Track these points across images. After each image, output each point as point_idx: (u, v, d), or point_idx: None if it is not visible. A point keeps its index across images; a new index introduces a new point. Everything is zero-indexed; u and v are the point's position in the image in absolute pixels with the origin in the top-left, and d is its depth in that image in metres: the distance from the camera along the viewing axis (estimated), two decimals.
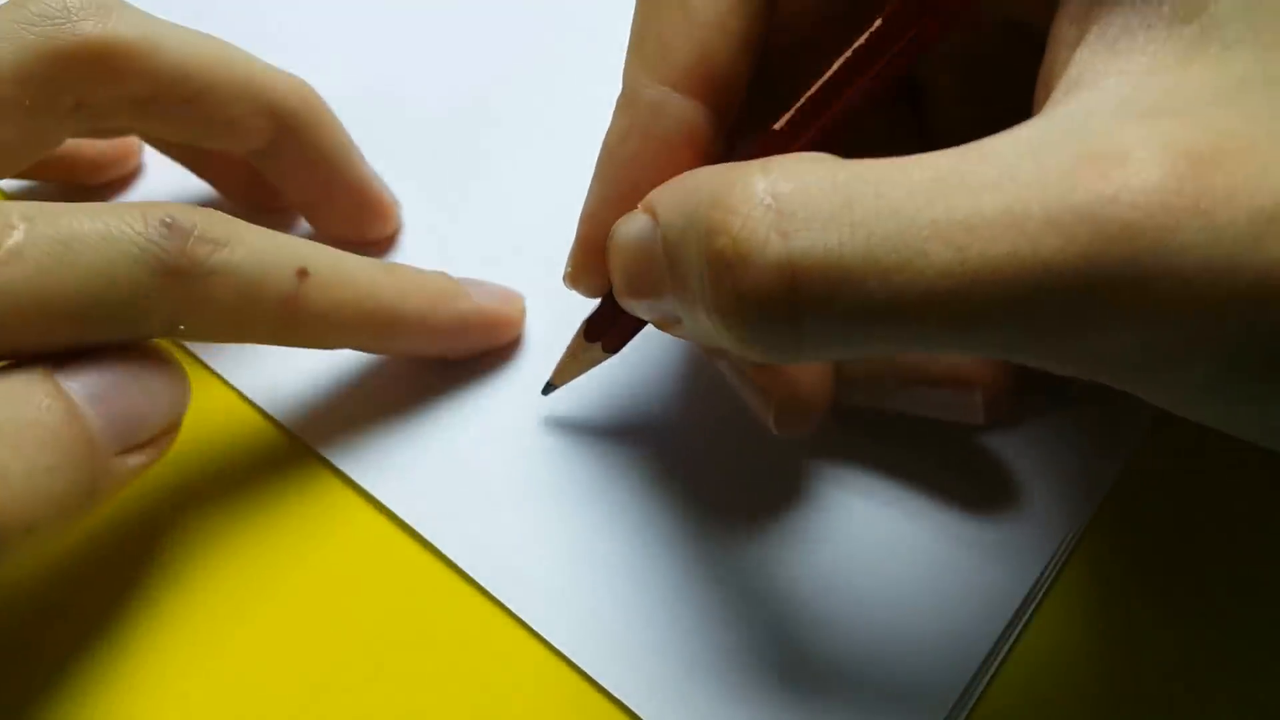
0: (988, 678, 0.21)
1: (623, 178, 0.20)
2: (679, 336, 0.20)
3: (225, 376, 0.25)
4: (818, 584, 0.22)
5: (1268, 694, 0.20)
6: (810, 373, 0.21)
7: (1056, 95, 0.16)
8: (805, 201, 0.15)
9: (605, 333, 0.22)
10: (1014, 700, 0.21)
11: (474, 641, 0.21)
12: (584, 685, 0.21)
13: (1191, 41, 0.15)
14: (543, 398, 0.24)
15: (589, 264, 0.21)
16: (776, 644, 0.21)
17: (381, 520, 0.23)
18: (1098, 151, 0.14)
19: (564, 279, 0.22)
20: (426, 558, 0.22)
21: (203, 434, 0.24)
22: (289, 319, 0.21)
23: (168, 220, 0.19)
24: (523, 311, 0.25)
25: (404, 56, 0.30)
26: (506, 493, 0.23)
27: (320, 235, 0.26)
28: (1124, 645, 0.21)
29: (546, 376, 0.23)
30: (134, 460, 0.19)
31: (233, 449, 0.24)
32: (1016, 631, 0.21)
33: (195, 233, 0.19)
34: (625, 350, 0.23)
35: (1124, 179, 0.13)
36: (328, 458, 0.23)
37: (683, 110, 0.19)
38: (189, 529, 0.23)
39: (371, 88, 0.29)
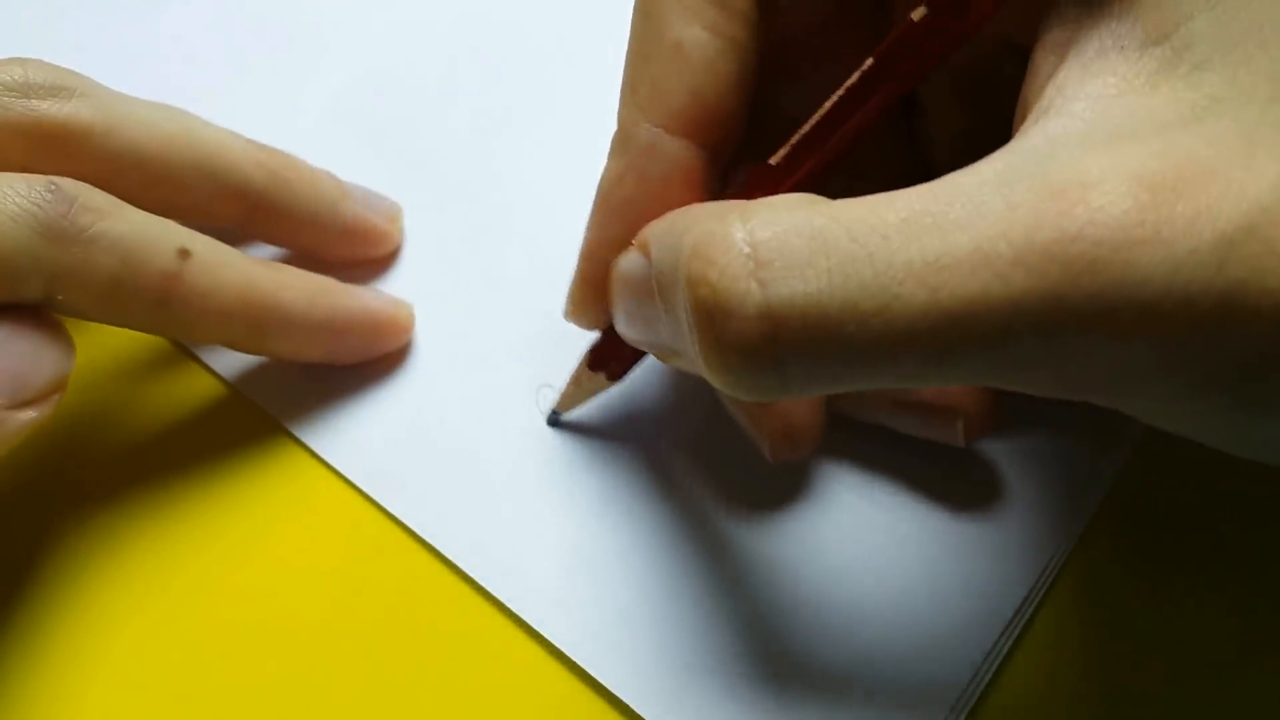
0: (987, 677, 0.21)
1: (619, 217, 0.20)
2: (678, 368, 0.20)
3: (223, 375, 0.25)
4: (818, 583, 0.22)
5: (1269, 693, 0.20)
6: (802, 405, 0.21)
7: (1027, 124, 0.16)
8: (782, 249, 0.15)
9: (608, 363, 0.22)
10: (1014, 700, 0.21)
11: (474, 641, 0.21)
12: (583, 685, 0.21)
13: (1162, 62, 0.15)
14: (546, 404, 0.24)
15: (587, 300, 0.22)
16: (777, 643, 0.21)
17: (381, 520, 0.23)
18: (1061, 184, 0.14)
19: (564, 314, 0.22)
20: (426, 557, 0.22)
21: (201, 433, 0.24)
22: (166, 298, 0.21)
23: (52, 186, 0.20)
24: (411, 318, 0.25)
25: (411, 53, 0.30)
26: (506, 492, 0.23)
27: (319, 261, 0.26)
28: (1124, 645, 0.21)
29: (547, 377, 0.24)
30: (24, 415, 0.19)
31: (231, 448, 0.24)
32: (1016, 631, 0.21)
33: (79, 200, 0.20)
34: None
35: (1088, 214, 0.14)
36: (324, 456, 0.23)
37: (676, 151, 0.20)
38: (188, 528, 0.23)
39: (378, 84, 0.29)
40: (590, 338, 0.23)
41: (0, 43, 0.27)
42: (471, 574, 0.22)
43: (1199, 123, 0.15)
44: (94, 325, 0.23)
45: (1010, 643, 0.21)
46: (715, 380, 0.16)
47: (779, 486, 0.23)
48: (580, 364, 0.23)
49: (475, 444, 0.24)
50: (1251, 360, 0.14)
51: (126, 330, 0.24)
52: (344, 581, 0.22)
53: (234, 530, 0.23)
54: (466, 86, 0.29)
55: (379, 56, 0.30)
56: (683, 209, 0.18)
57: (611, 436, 0.24)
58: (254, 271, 0.22)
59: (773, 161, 0.19)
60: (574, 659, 0.21)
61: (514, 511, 0.23)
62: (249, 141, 0.24)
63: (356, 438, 0.24)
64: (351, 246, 0.26)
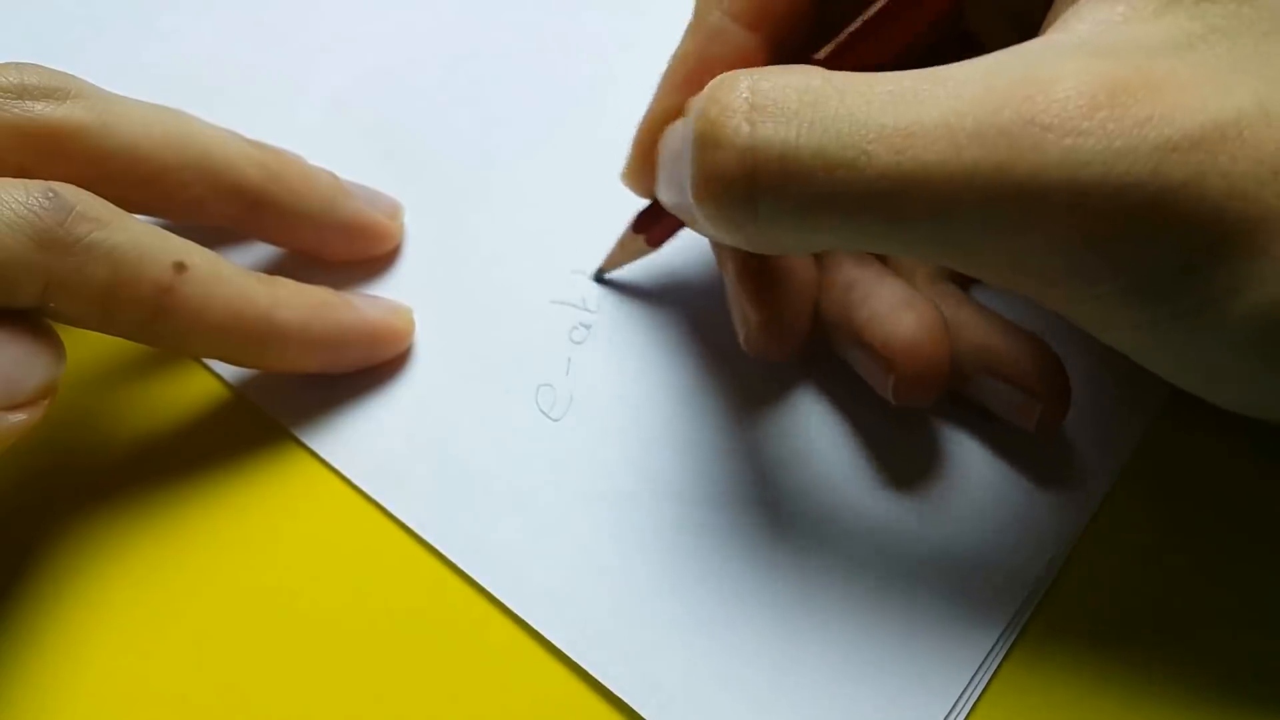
0: (987, 678, 0.21)
1: (678, 92, 0.22)
2: (699, 232, 0.21)
3: (224, 376, 0.25)
4: (819, 581, 0.22)
5: (1268, 693, 0.20)
6: (794, 302, 0.22)
7: (1035, 36, 0.18)
8: (776, 98, 0.17)
9: (650, 228, 0.24)
10: (1015, 700, 0.21)
11: (474, 641, 0.21)
12: (583, 685, 0.21)
13: None
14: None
15: (641, 167, 0.23)
16: (777, 641, 0.21)
17: (382, 520, 0.23)
18: (1032, 78, 0.16)
19: (620, 177, 0.24)
20: (426, 557, 0.22)
21: (202, 434, 0.24)
22: (161, 310, 0.21)
23: (50, 193, 0.19)
24: (411, 324, 0.25)
25: (411, 53, 0.30)
26: (506, 492, 0.23)
27: (320, 261, 0.26)
28: (1124, 645, 0.21)
29: (547, 377, 0.24)
30: (14, 418, 0.19)
31: (231, 449, 0.24)
32: (1014, 636, 0.21)
33: (77, 208, 0.20)
34: (620, 348, 0.24)
35: (1045, 103, 0.15)
36: (324, 456, 0.23)
37: (740, 39, 0.21)
38: (189, 529, 0.23)
39: (379, 84, 0.29)
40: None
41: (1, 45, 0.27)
42: (471, 574, 0.22)
43: (1190, 49, 0.16)
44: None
45: (1006, 650, 0.21)
46: (699, 214, 0.18)
47: (780, 484, 0.23)
48: (626, 227, 0.25)
49: (475, 444, 0.24)
50: (1181, 263, 0.15)
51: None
52: (344, 581, 0.22)
53: (235, 531, 0.23)
54: (467, 86, 0.29)
55: (379, 56, 0.30)
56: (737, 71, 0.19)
57: (611, 436, 0.24)
58: (249, 287, 0.22)
59: (818, 56, 0.20)
60: (574, 659, 0.21)
61: (514, 511, 0.23)
62: (246, 140, 0.24)
63: (356, 438, 0.24)
64: (351, 244, 0.26)
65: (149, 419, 0.24)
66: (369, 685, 0.21)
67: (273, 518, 0.23)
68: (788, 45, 0.22)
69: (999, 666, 0.21)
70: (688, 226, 0.22)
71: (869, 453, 0.23)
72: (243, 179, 0.24)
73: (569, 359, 0.25)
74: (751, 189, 0.17)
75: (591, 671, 0.21)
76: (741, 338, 0.23)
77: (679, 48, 0.22)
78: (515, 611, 0.21)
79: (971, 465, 0.23)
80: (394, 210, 0.27)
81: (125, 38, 0.30)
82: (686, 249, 0.26)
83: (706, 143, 0.17)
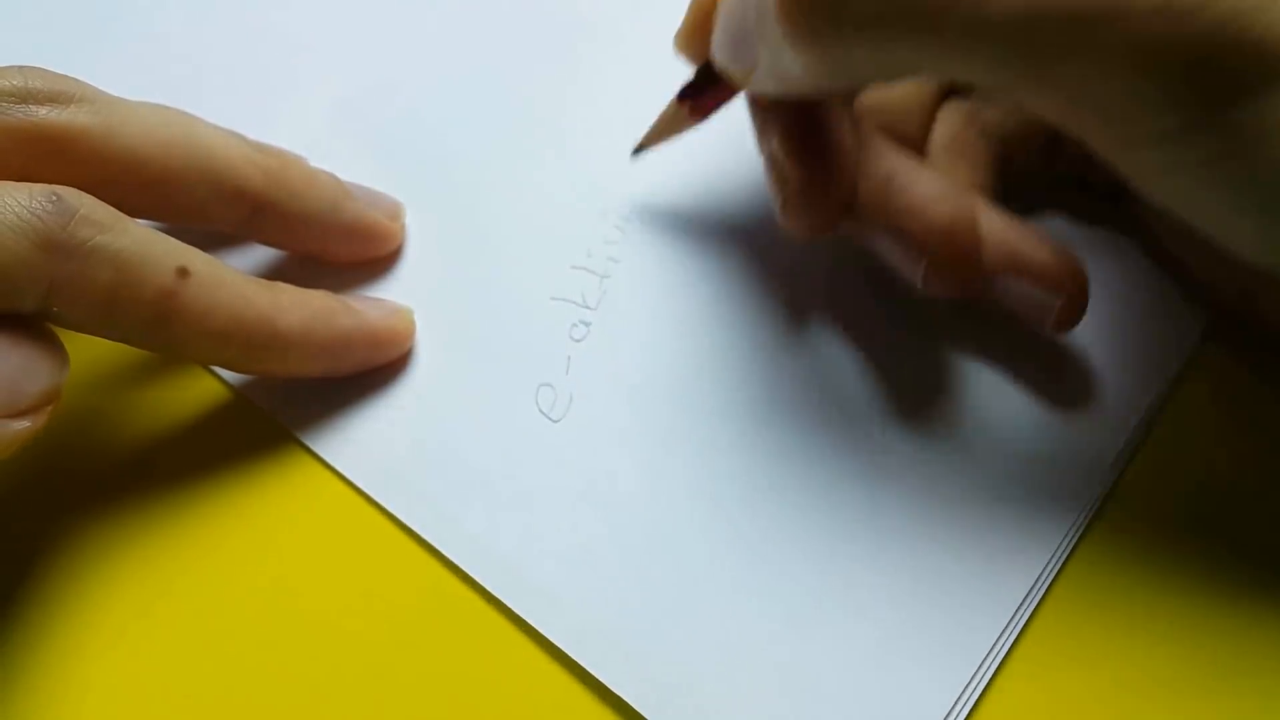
0: (986, 678, 0.21)
1: None
2: (753, 90, 0.22)
3: (225, 378, 0.25)
4: (820, 580, 0.22)
5: (1270, 692, 0.20)
6: (841, 167, 0.22)
7: None
8: None
9: (697, 96, 0.24)
10: (1015, 700, 0.21)
11: (474, 641, 0.21)
12: (583, 685, 0.21)
13: None
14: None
15: (697, 30, 0.23)
16: (778, 640, 0.21)
17: (382, 520, 0.23)
18: None
19: (673, 43, 0.24)
20: (426, 557, 0.22)
21: (203, 435, 0.24)
22: (164, 315, 0.21)
23: (53, 197, 0.19)
24: (412, 326, 0.25)
25: (413, 51, 0.30)
26: (507, 492, 0.23)
27: (320, 262, 0.26)
28: (1124, 645, 0.21)
29: (547, 377, 0.24)
30: (18, 425, 0.19)
31: (231, 449, 0.24)
32: (1013, 638, 0.21)
33: (80, 212, 0.20)
34: (621, 347, 0.23)
35: None
36: (324, 457, 0.24)
37: None
38: (190, 530, 0.23)
39: (381, 82, 0.29)
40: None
41: (2, 49, 0.27)
42: (471, 574, 0.22)
43: None
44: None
45: (1006, 649, 0.21)
46: (782, 27, 0.18)
47: (779, 484, 0.23)
48: (670, 100, 0.24)
49: (475, 444, 0.24)
50: (1230, 95, 0.16)
51: None
52: (344, 581, 0.22)
53: (235, 532, 0.23)
54: (467, 84, 0.29)
55: (382, 57, 0.30)
56: None
57: (611, 435, 0.24)
58: (251, 293, 0.22)
59: None
60: (574, 658, 0.21)
61: (514, 511, 0.23)
62: (250, 143, 0.24)
63: (356, 438, 0.24)
64: (353, 246, 0.26)
65: (151, 421, 0.24)
66: (369, 685, 0.21)
67: (273, 518, 0.23)
68: None
69: (999, 667, 0.21)
70: (740, 87, 0.22)
71: (871, 453, 0.23)
72: (246, 183, 0.24)
73: (569, 357, 0.25)
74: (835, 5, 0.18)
75: (592, 671, 0.21)
76: (779, 204, 0.23)
77: None
78: (515, 611, 0.22)
79: (977, 453, 0.23)
80: (395, 211, 0.27)
81: (126, 38, 0.30)
82: (687, 248, 0.26)
83: None
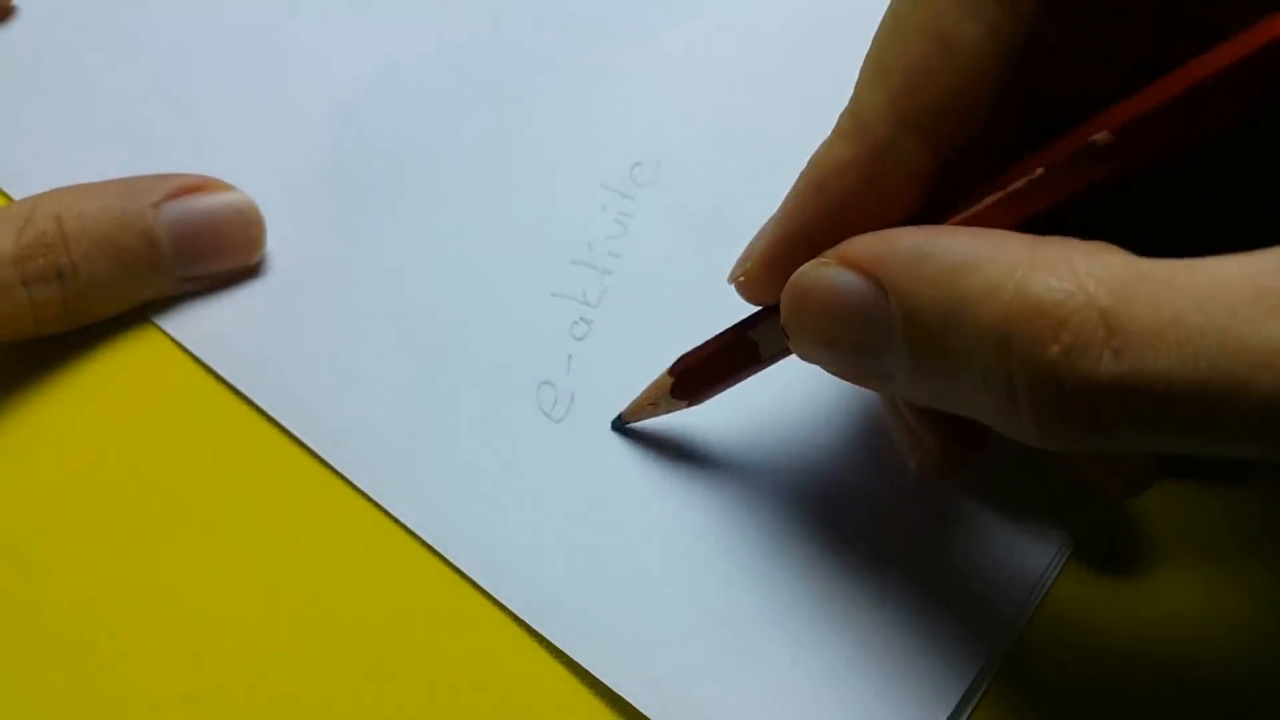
0: (989, 677, 0.21)
1: (834, 208, 0.19)
2: (868, 388, 0.20)
3: (226, 378, 0.25)
4: (821, 580, 0.22)
5: (1269, 691, 0.20)
6: (966, 427, 0.20)
7: None
8: (1133, 317, 0.15)
9: (696, 393, 0.22)
10: (1015, 700, 0.21)
11: (474, 641, 0.21)
12: (583, 685, 0.21)
13: None
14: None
15: (767, 277, 0.20)
16: (779, 640, 0.21)
17: (382, 520, 0.23)
18: None
19: (734, 281, 0.21)
20: (426, 557, 0.22)
21: (203, 436, 0.24)
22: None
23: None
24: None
25: (412, 49, 0.30)
26: (507, 492, 0.23)
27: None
28: (1124, 644, 0.21)
29: (547, 376, 0.24)
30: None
31: (231, 450, 0.24)
32: (1017, 634, 0.21)
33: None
34: (621, 345, 0.24)
35: None
36: (324, 457, 0.23)
37: (914, 153, 0.18)
38: (190, 531, 0.23)
39: (380, 79, 0.29)
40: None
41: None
42: (471, 574, 0.22)
43: None
44: (91, 330, 0.24)
45: (1007, 651, 0.21)
46: (1026, 434, 0.16)
47: (780, 484, 0.23)
48: (659, 381, 0.22)
49: (475, 443, 0.24)
50: None
51: (127, 335, 0.25)
52: (344, 581, 0.22)
53: (236, 533, 0.23)
54: (467, 80, 0.29)
55: (381, 54, 0.30)
56: (921, 240, 0.17)
57: (611, 435, 0.24)
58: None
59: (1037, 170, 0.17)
60: (575, 658, 0.21)
61: (514, 511, 0.23)
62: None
63: (357, 439, 0.24)
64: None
65: (150, 422, 0.24)
66: (369, 684, 0.21)
67: (273, 518, 0.23)
68: (952, 159, 0.19)
69: (1000, 667, 0.21)
70: (844, 380, 0.19)
71: (872, 454, 0.23)
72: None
73: (569, 355, 0.24)
74: (1114, 420, 0.15)
75: (592, 670, 0.21)
76: (916, 465, 0.21)
77: (832, 153, 0.19)
78: (515, 612, 0.22)
79: (978, 476, 0.23)
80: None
81: (126, 39, 0.30)
82: (690, 244, 0.26)
83: (1062, 372, 0.15)
